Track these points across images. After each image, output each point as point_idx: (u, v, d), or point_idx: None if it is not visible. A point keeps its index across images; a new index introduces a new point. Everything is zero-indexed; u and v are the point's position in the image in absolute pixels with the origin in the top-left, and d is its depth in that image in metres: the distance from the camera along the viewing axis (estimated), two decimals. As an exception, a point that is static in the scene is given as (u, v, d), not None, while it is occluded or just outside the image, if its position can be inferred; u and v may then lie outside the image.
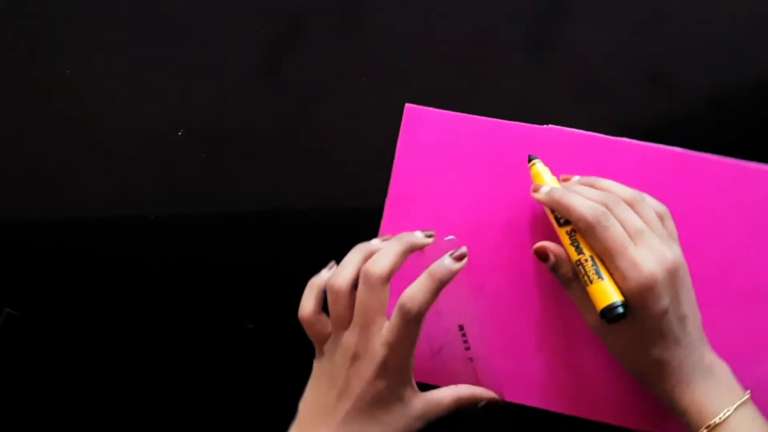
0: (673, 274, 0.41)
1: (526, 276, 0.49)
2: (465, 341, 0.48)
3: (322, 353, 0.46)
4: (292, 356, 0.52)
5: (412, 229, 0.47)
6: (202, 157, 0.54)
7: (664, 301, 0.40)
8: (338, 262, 0.49)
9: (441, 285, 0.43)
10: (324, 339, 0.46)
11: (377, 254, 0.44)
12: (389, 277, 0.43)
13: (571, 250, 0.43)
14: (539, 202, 0.46)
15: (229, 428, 0.53)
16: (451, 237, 0.49)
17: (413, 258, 0.46)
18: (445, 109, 0.50)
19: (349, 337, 0.44)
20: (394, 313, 0.43)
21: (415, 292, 0.42)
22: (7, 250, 0.55)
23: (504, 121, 0.50)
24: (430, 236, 0.47)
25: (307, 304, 0.45)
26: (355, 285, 0.44)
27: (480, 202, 0.49)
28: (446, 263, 0.43)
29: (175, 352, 0.54)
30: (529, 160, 0.48)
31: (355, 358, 0.43)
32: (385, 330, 0.43)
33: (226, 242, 0.53)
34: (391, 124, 0.50)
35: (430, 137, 0.50)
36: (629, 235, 0.41)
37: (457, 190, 0.50)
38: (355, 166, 0.52)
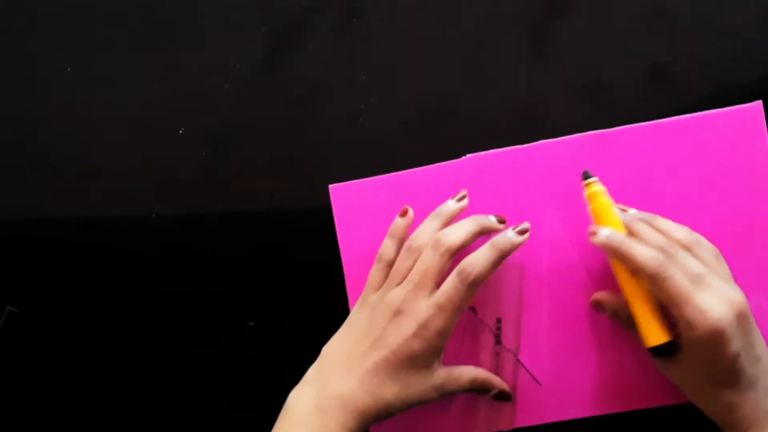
0: (742, 317, 0.40)
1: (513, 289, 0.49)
2: (497, 335, 0.49)
3: (365, 303, 0.47)
4: (293, 354, 0.53)
5: None
6: (202, 156, 0.54)
7: (736, 345, 0.40)
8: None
9: (502, 255, 0.44)
10: (377, 286, 0.47)
11: (453, 227, 0.46)
12: (458, 251, 0.45)
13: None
14: (596, 245, 0.44)
15: (229, 427, 0.53)
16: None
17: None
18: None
19: (398, 293, 0.45)
20: (451, 276, 0.44)
21: (476, 258, 0.44)
22: (8, 248, 0.55)
23: (421, 168, 0.50)
24: (502, 222, 0.47)
25: (389, 249, 0.48)
26: None
27: None
28: (509, 235, 0.45)
29: (176, 350, 0.54)
30: (585, 178, 0.46)
31: (397, 313, 0.44)
32: (437, 293, 0.44)
33: (227, 241, 0.53)
34: (391, 124, 0.50)
35: (363, 207, 0.50)
36: (691, 280, 0.41)
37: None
38: (355, 166, 0.52)
